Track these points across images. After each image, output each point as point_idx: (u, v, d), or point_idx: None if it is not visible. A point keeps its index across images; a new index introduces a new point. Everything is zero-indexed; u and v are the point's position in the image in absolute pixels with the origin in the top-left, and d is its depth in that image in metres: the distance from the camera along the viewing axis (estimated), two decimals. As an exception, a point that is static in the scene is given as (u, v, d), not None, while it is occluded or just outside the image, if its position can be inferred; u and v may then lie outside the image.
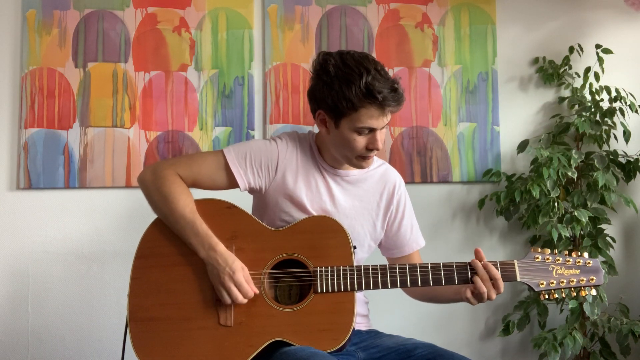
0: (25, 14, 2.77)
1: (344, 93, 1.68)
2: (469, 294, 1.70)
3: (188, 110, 2.82)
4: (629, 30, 3.06)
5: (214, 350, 1.69)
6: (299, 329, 1.68)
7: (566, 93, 3.00)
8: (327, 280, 1.70)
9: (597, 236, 2.74)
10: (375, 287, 1.72)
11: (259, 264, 1.74)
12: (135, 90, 2.79)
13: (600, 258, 2.71)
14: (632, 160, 2.84)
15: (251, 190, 1.86)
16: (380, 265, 1.73)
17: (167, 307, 1.73)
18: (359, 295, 1.88)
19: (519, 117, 2.99)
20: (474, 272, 1.71)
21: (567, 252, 1.75)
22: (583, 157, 2.79)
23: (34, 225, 2.73)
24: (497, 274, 1.69)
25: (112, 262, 2.74)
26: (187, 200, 1.76)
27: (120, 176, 2.75)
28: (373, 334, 1.88)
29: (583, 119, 2.77)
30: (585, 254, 1.74)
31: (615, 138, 2.91)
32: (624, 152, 2.88)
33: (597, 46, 2.91)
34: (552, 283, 1.70)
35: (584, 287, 1.71)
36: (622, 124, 2.85)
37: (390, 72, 2.85)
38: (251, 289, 1.70)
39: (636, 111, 2.84)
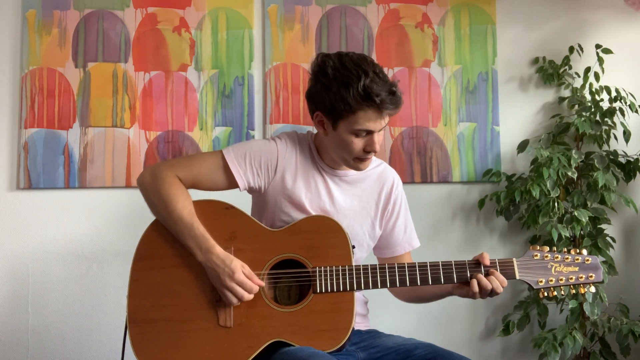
0: (25, 14, 2.77)
1: (342, 95, 1.68)
2: (475, 288, 1.70)
3: (188, 110, 2.82)
4: (629, 30, 3.06)
5: (213, 352, 1.69)
6: (299, 329, 1.68)
7: (566, 93, 3.00)
8: (326, 280, 1.70)
9: (597, 236, 2.74)
10: (375, 286, 1.72)
11: (258, 264, 1.74)
12: (135, 90, 2.79)
13: (600, 258, 2.70)
14: (632, 160, 2.84)
15: (250, 190, 1.86)
16: (379, 264, 1.73)
17: (167, 309, 1.73)
18: (358, 295, 1.88)
19: (519, 117, 2.99)
20: (474, 271, 1.71)
21: (565, 249, 1.75)
22: (583, 157, 2.79)
23: (34, 225, 2.73)
24: (505, 282, 1.70)
25: (112, 262, 2.74)
26: (185, 203, 1.76)
27: (120, 176, 2.75)
28: (373, 334, 1.88)
29: (583, 119, 2.77)
30: (584, 251, 1.74)
31: (615, 138, 2.91)
32: (624, 152, 2.88)
33: (597, 46, 2.91)
34: (551, 280, 1.70)
35: (583, 284, 1.71)
36: (622, 124, 2.85)
37: (390, 73, 2.88)
38: (255, 284, 1.70)
39: (636, 111, 2.84)
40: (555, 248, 1.76)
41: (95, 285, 2.74)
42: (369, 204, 1.90)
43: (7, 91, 2.76)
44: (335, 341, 1.66)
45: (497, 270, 1.71)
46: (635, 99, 2.88)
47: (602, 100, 2.88)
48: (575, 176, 2.69)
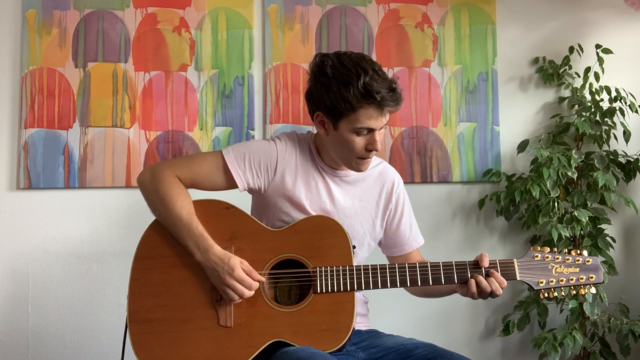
0: (25, 14, 2.77)
1: (342, 94, 1.68)
2: (473, 288, 1.70)
3: (188, 110, 2.82)
4: (629, 30, 3.06)
5: (214, 351, 1.69)
6: (299, 329, 1.68)
7: (566, 93, 3.00)
8: (326, 280, 1.70)
9: (597, 236, 2.74)
10: (375, 287, 1.72)
11: (259, 264, 1.74)
12: (135, 90, 2.79)
13: (600, 258, 2.70)
14: (632, 160, 2.84)
15: (250, 191, 1.86)
16: (379, 265, 1.73)
17: (167, 309, 1.73)
18: (359, 295, 1.88)
19: (519, 117, 2.99)
20: (474, 272, 1.71)
21: (566, 250, 1.75)
22: (583, 157, 2.79)
23: (34, 225, 2.73)
24: (504, 282, 1.70)
25: (112, 262, 2.74)
26: (184, 202, 1.76)
27: (120, 176, 2.75)
28: (373, 334, 1.88)
29: (583, 119, 2.77)
30: (585, 252, 1.74)
31: (615, 138, 2.91)
32: (624, 152, 2.88)
33: (597, 46, 2.91)
34: (552, 281, 1.70)
35: (584, 285, 1.71)
36: (622, 124, 2.85)
37: (390, 72, 2.87)
38: (255, 279, 1.70)
39: (636, 111, 2.84)
40: (556, 249, 1.75)
41: (95, 285, 2.74)
42: (370, 204, 1.90)
43: (7, 91, 2.76)
44: (335, 341, 1.66)
45: (497, 270, 1.71)
46: (635, 99, 2.88)
47: (602, 100, 2.88)
48: (575, 176, 2.69)
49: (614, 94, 2.84)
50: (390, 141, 2.88)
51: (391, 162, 2.85)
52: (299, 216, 1.79)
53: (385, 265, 1.73)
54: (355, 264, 1.73)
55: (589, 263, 1.72)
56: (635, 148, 2.94)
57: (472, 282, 1.70)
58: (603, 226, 2.79)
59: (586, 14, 3.05)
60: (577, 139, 2.93)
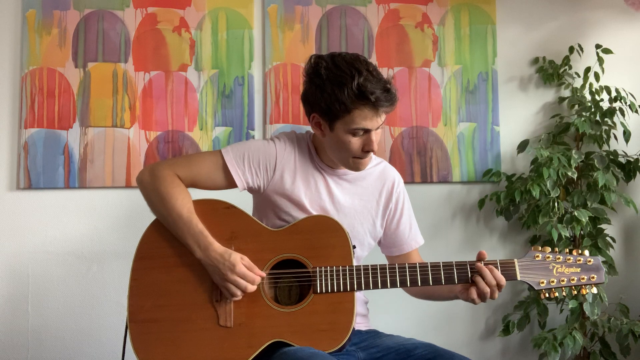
0: (25, 14, 2.77)
1: (337, 95, 1.68)
2: (474, 295, 1.70)
3: (188, 110, 2.82)
4: (629, 30, 3.06)
5: (214, 351, 1.69)
6: (299, 329, 1.68)
7: (566, 93, 3.00)
8: (326, 280, 1.70)
9: (597, 236, 2.74)
10: (375, 287, 1.72)
11: (259, 264, 1.74)
12: (135, 90, 2.79)
13: (600, 258, 2.70)
14: (632, 160, 2.84)
15: (250, 190, 1.87)
16: (379, 265, 1.73)
17: (167, 309, 1.73)
18: (359, 295, 1.88)
19: (519, 117, 2.99)
20: (475, 272, 1.71)
21: (567, 250, 1.75)
22: (583, 157, 2.79)
23: (34, 225, 2.73)
24: (503, 280, 1.69)
25: (112, 262, 2.74)
26: (184, 201, 1.76)
27: (120, 176, 2.75)
28: (373, 334, 1.88)
29: (583, 119, 2.77)
30: (586, 252, 1.73)
31: (615, 138, 2.91)
32: (624, 152, 2.88)
33: (597, 46, 2.91)
34: (553, 282, 1.70)
35: (585, 285, 1.70)
36: (622, 124, 2.85)
37: (390, 73, 2.87)
38: (257, 275, 1.70)
39: (636, 111, 2.84)
40: (557, 249, 1.75)
41: (95, 285, 2.74)
42: (370, 203, 1.90)
43: (7, 91, 2.76)
44: (335, 341, 1.66)
45: (497, 270, 1.71)
46: (635, 99, 2.88)
47: (602, 100, 2.88)
48: (575, 176, 2.69)
49: (614, 94, 2.84)
50: (390, 141, 2.88)
51: (391, 162, 2.85)
52: (300, 215, 1.80)
53: (385, 265, 1.73)
54: (355, 262, 1.73)
55: (590, 263, 1.71)
56: (635, 148, 2.94)
57: (472, 289, 1.70)
58: (603, 226, 2.79)
59: (586, 14, 3.05)
60: (577, 139, 2.93)
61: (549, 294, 1.71)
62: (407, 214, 1.96)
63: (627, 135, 2.83)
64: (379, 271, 1.72)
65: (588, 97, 2.93)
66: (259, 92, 2.86)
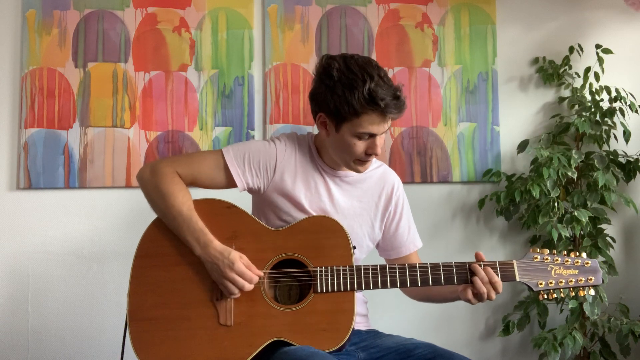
0: (25, 14, 2.77)
1: (347, 98, 1.69)
2: (469, 295, 1.71)
3: (188, 110, 2.82)
4: (629, 30, 3.06)
5: (213, 350, 1.69)
6: (299, 328, 1.68)
7: (566, 93, 3.00)
8: (326, 280, 1.70)
9: (597, 236, 2.74)
10: (375, 287, 1.72)
11: (259, 263, 1.74)
12: (135, 90, 2.79)
13: (600, 258, 2.71)
14: (632, 160, 2.84)
15: (250, 190, 1.87)
16: (380, 265, 1.74)
17: (167, 307, 1.73)
18: (358, 295, 1.88)
19: (519, 117, 2.99)
20: (474, 273, 1.71)
21: (565, 252, 1.76)
22: (583, 157, 2.79)
23: (34, 225, 2.73)
24: (495, 277, 1.70)
25: (112, 262, 2.74)
26: (184, 198, 1.76)
27: (120, 176, 2.75)
28: (373, 333, 1.88)
29: (583, 119, 2.77)
30: (584, 254, 1.74)
31: (615, 138, 2.91)
32: (624, 152, 2.88)
33: (597, 46, 2.91)
34: (551, 283, 1.71)
35: (583, 287, 1.71)
36: (622, 124, 2.85)
37: (390, 73, 2.87)
38: (255, 274, 1.70)
39: (636, 111, 2.84)
40: (555, 250, 1.76)
41: (95, 285, 2.74)
42: (369, 205, 1.90)
43: (7, 91, 2.76)
44: (335, 341, 1.66)
45: (497, 271, 1.71)
46: (635, 99, 2.88)
47: (602, 100, 2.88)
48: (575, 176, 2.69)
49: (614, 94, 2.84)
50: (390, 141, 2.88)
51: (391, 162, 2.86)
52: (300, 216, 1.80)
53: (385, 265, 1.74)
54: (354, 264, 1.73)
55: (588, 265, 1.72)
56: (635, 148, 2.94)
57: (477, 280, 1.70)
58: (603, 226, 2.79)
59: (586, 14, 3.05)
60: (577, 139, 2.93)
61: (548, 296, 1.72)
62: (406, 217, 1.97)
63: (627, 135, 2.84)
64: (379, 271, 1.73)
65: (588, 97, 2.93)
66: (259, 92, 2.86)
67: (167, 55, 2.82)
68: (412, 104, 2.91)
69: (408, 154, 2.89)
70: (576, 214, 2.65)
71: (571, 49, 2.96)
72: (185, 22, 2.84)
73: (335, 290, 1.70)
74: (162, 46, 2.82)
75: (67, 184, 2.74)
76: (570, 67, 2.96)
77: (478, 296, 1.71)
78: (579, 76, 2.97)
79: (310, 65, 2.84)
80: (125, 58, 2.80)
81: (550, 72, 2.95)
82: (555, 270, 1.72)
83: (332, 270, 1.71)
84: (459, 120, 2.93)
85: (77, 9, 2.80)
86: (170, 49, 2.82)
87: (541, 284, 1.71)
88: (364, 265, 1.73)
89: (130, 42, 2.81)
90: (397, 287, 1.73)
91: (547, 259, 1.73)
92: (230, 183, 1.82)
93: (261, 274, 1.72)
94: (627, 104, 2.83)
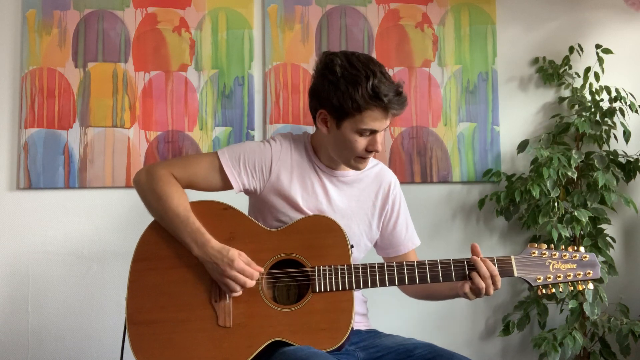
0: (25, 14, 2.77)
1: (350, 94, 1.69)
2: (467, 289, 1.71)
3: (188, 110, 2.82)
4: (629, 30, 3.06)
5: (213, 351, 1.69)
6: (298, 328, 1.68)
7: (566, 93, 3.00)
8: (325, 279, 1.70)
9: (597, 236, 2.74)
10: (374, 285, 1.72)
11: (257, 264, 1.73)
12: (135, 90, 2.79)
13: (600, 258, 2.70)
14: (632, 160, 2.84)
15: (246, 192, 1.87)
16: (377, 263, 1.74)
17: (166, 309, 1.73)
18: (357, 294, 1.88)
19: (519, 117, 2.99)
20: (472, 268, 1.71)
21: (563, 246, 1.76)
22: (583, 157, 2.79)
23: (34, 225, 2.73)
24: (495, 270, 1.70)
25: (112, 262, 2.74)
26: (180, 199, 1.76)
27: (120, 176, 2.75)
28: (372, 333, 1.88)
29: (583, 119, 2.77)
30: (582, 248, 1.74)
31: (615, 138, 2.91)
32: (624, 152, 2.88)
33: (597, 46, 2.90)
34: (549, 278, 1.71)
35: (581, 281, 1.71)
36: (622, 124, 2.85)
37: (390, 73, 2.86)
38: (255, 270, 1.70)
39: (636, 111, 2.84)
40: (553, 245, 1.76)
41: (95, 285, 2.74)
42: (366, 204, 1.90)
43: (7, 91, 2.76)
44: (334, 340, 1.66)
45: (495, 267, 1.72)
46: (635, 99, 2.88)
47: (602, 100, 2.88)
48: (575, 176, 2.69)
49: (614, 94, 2.84)
50: (390, 141, 2.88)
51: (391, 162, 2.86)
52: (296, 216, 1.80)
53: (384, 263, 1.74)
54: (352, 263, 1.73)
55: (586, 259, 1.72)
56: (635, 148, 2.94)
57: (475, 275, 1.70)
58: (603, 226, 2.79)
59: (586, 14, 3.05)
60: (577, 139, 2.93)
61: (546, 290, 1.72)
62: (403, 215, 1.97)
63: (627, 135, 2.83)
64: (377, 269, 1.73)
65: (588, 97, 2.93)
66: (259, 92, 2.86)
67: (167, 55, 2.82)
68: (412, 104, 2.90)
69: (408, 154, 2.89)
70: (576, 214, 2.65)
71: (571, 49, 2.96)
72: (185, 22, 2.84)
73: (334, 289, 1.70)
74: (162, 46, 2.82)
75: (67, 184, 2.74)
76: (570, 67, 2.96)
77: (476, 291, 1.71)
78: (579, 76, 2.97)
79: (310, 65, 2.84)
80: (125, 58, 2.81)
81: (550, 72, 2.95)
82: (554, 264, 1.72)
83: (330, 270, 1.71)
84: (459, 120, 2.93)
85: (77, 9, 2.80)
86: (170, 49, 2.82)
87: (539, 278, 1.71)
88: (361, 264, 1.73)
89: (130, 42, 2.81)
90: (395, 285, 1.73)
91: (545, 253, 1.73)
92: (227, 185, 1.82)
93: (261, 269, 1.72)
94: (627, 104, 2.83)
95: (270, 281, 1.77)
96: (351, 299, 1.69)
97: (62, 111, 2.76)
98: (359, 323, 1.88)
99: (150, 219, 1.81)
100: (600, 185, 2.68)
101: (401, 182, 2.02)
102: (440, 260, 1.74)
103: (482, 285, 1.69)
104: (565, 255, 1.73)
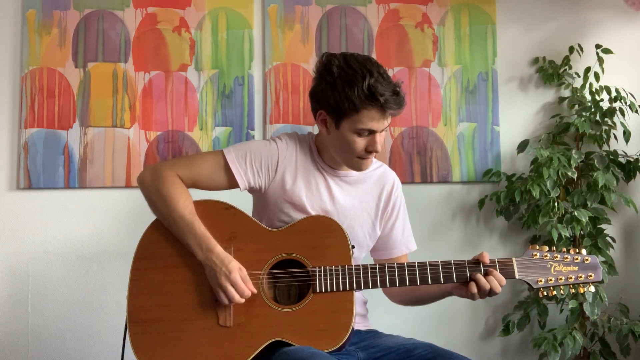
0: (25, 14, 2.77)
1: (347, 94, 1.69)
2: (474, 289, 1.70)
3: (188, 110, 2.82)
4: (629, 30, 3.06)
5: (213, 351, 1.69)
6: (298, 328, 1.68)
7: (566, 93, 3.00)
8: (325, 279, 1.70)
9: (597, 236, 2.74)
10: (374, 286, 1.72)
11: (258, 264, 1.74)
12: (135, 90, 2.79)
13: (600, 258, 2.70)
14: (632, 160, 2.84)
15: (251, 190, 1.87)
16: (378, 264, 1.73)
17: (167, 309, 1.73)
18: (358, 295, 1.88)
19: (519, 117, 2.99)
20: (474, 270, 1.71)
21: (565, 249, 1.76)
22: (583, 157, 2.79)
23: (34, 225, 2.73)
24: (504, 280, 1.70)
25: (112, 262, 2.74)
26: (186, 202, 1.76)
27: (120, 176, 2.75)
28: (373, 333, 1.88)
29: (583, 119, 2.77)
30: (584, 251, 1.74)
31: (615, 138, 2.91)
32: (624, 152, 2.88)
33: (597, 46, 2.90)
34: (551, 280, 1.70)
35: (583, 283, 1.71)
36: (622, 124, 2.85)
37: (390, 72, 2.87)
38: (248, 288, 1.70)
39: (636, 111, 2.84)
40: (554, 247, 1.75)
41: (95, 285, 2.74)
42: (369, 205, 1.90)
43: (7, 91, 2.76)
44: (335, 341, 1.66)
45: (496, 269, 1.71)
46: (635, 99, 2.88)
47: (602, 100, 2.88)
48: (575, 176, 2.69)
49: (614, 94, 2.84)
50: (390, 141, 2.88)
51: (391, 162, 2.86)
52: (299, 216, 1.80)
53: (384, 264, 1.74)
54: (353, 264, 1.73)
55: (588, 262, 1.72)
56: (635, 148, 2.94)
57: (472, 284, 1.70)
58: (603, 226, 2.79)
59: (586, 14, 3.05)
60: (577, 139, 2.93)
61: (548, 293, 1.72)
62: (402, 218, 1.96)
63: (627, 135, 2.83)
64: (378, 270, 1.73)
65: (588, 97, 2.93)
66: (259, 92, 2.86)
67: (167, 55, 2.82)
68: (412, 104, 2.91)
69: (408, 154, 2.89)
70: (576, 214, 2.65)
71: (571, 49, 2.96)
72: (185, 22, 2.84)
73: (334, 290, 1.70)
74: (162, 46, 2.82)
75: (67, 184, 2.74)
76: (570, 67, 2.96)
77: (482, 292, 1.70)
78: (579, 76, 2.97)
79: (310, 65, 2.84)
80: (125, 58, 2.80)
81: (550, 72, 2.95)
82: (555, 267, 1.72)
83: (330, 270, 1.71)
84: (459, 120, 2.93)
85: (77, 9, 2.80)
86: (170, 49, 2.82)
87: (541, 281, 1.71)
88: (362, 265, 1.73)
89: (130, 42, 2.81)
90: (396, 286, 1.73)
91: (546, 255, 1.72)
92: (232, 184, 1.82)
93: (254, 290, 1.71)
94: (627, 104, 2.83)
95: (271, 281, 1.77)
96: (352, 300, 1.69)
97: (62, 111, 2.76)
98: (359, 323, 1.88)
99: (151, 217, 1.81)
100: (600, 185, 2.68)
101: (401, 182, 2.02)
102: (441, 261, 1.73)
103: (487, 287, 1.69)
104: (567, 258, 1.72)
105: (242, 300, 1.69)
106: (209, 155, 1.85)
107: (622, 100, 2.83)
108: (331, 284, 1.70)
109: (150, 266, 1.76)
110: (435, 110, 2.92)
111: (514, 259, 1.73)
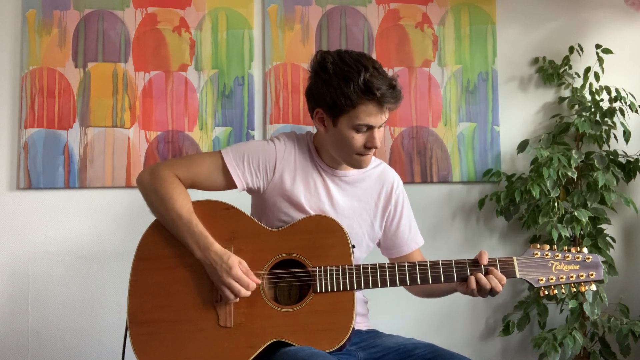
0: (25, 14, 2.77)
1: (343, 90, 1.69)
2: (473, 285, 1.70)
3: (188, 110, 2.82)
4: (629, 30, 3.06)
5: (214, 352, 1.69)
6: (299, 329, 1.68)
7: (566, 93, 3.00)
8: (326, 279, 1.70)
9: (597, 236, 2.74)
10: (375, 285, 1.72)
11: (258, 264, 1.74)
12: (135, 90, 2.79)
13: (601, 258, 2.70)
14: (632, 160, 2.84)
15: (249, 191, 1.87)
16: (379, 263, 1.73)
17: (167, 309, 1.73)
18: (358, 295, 1.88)
19: (519, 117, 2.99)
20: (474, 269, 1.71)
21: (566, 247, 1.75)
22: (583, 157, 2.79)
23: (34, 225, 2.73)
24: (504, 279, 1.70)
25: (112, 262, 2.74)
26: (184, 201, 1.76)
27: (120, 176, 2.75)
28: (373, 333, 1.88)
29: (583, 119, 2.77)
30: (585, 249, 1.73)
31: (615, 138, 2.91)
32: (624, 152, 2.88)
33: (597, 46, 2.90)
34: (552, 279, 1.70)
35: (584, 282, 1.70)
36: (622, 124, 2.85)
37: (390, 72, 2.87)
38: (252, 280, 1.70)
39: (636, 111, 2.84)
40: (555, 246, 1.75)
41: (95, 285, 2.74)
42: (369, 204, 1.90)
43: (7, 91, 2.76)
44: (335, 341, 1.66)
45: (497, 268, 1.71)
46: (635, 99, 2.88)
47: (602, 100, 2.88)
48: (575, 176, 2.69)
49: (614, 94, 2.84)
50: (390, 141, 2.88)
51: (391, 162, 2.86)
52: (298, 216, 1.80)
53: (385, 264, 1.74)
54: (354, 263, 1.73)
55: (589, 260, 1.71)
56: (635, 148, 2.94)
57: (472, 279, 1.70)
58: (603, 226, 2.79)
59: (586, 14, 3.05)
60: (577, 139, 2.93)
61: (549, 292, 1.71)
62: (406, 215, 1.96)
63: (627, 135, 2.84)
64: (378, 270, 1.73)
65: (588, 97, 2.93)
66: (259, 92, 2.86)
67: (167, 55, 2.82)
68: (412, 104, 2.91)
69: (408, 154, 2.89)
70: (576, 214, 2.65)
71: (571, 49, 2.96)
72: (185, 22, 2.84)
73: (335, 289, 1.70)
74: (162, 46, 2.82)
75: (67, 184, 2.74)
76: (570, 67, 2.96)
77: (482, 290, 1.71)
78: (579, 76, 2.97)
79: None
80: (125, 58, 2.80)
81: (550, 72, 2.95)
82: (556, 265, 1.71)
83: (331, 270, 1.71)
84: (459, 120, 2.93)
85: (77, 9, 2.79)
86: (170, 49, 2.82)
87: (542, 280, 1.70)
88: (362, 265, 1.73)
89: (130, 42, 2.81)
90: (396, 285, 1.73)
91: (547, 254, 1.72)
92: (230, 184, 1.82)
93: (258, 281, 1.72)
94: (627, 104, 2.83)
95: (272, 281, 1.77)
96: (352, 300, 1.69)
97: (62, 111, 2.76)
98: (359, 323, 1.88)
99: (150, 218, 1.81)
100: (600, 185, 2.68)
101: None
102: (442, 260, 1.73)
103: (488, 286, 1.69)
104: (568, 257, 1.72)
105: (249, 294, 1.69)
106: (207, 155, 1.85)
107: (622, 100, 2.83)
108: (331, 283, 1.70)
109: (150, 267, 1.76)
110: (435, 110, 2.92)
111: (514, 258, 1.73)
